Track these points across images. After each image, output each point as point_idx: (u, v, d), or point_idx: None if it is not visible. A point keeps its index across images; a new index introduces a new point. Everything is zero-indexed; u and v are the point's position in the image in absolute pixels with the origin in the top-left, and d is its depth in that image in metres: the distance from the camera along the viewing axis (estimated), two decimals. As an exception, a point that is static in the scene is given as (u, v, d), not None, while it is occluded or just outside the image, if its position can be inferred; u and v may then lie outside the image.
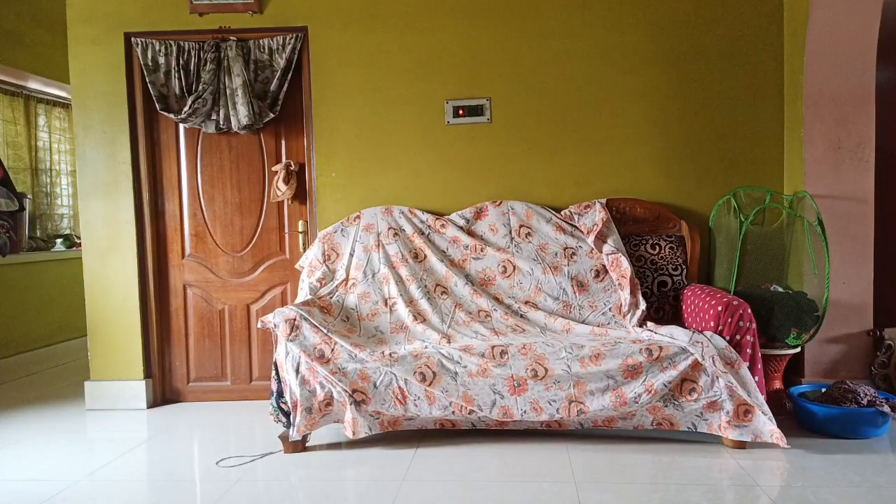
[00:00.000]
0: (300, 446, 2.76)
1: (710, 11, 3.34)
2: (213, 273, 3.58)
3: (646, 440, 2.74)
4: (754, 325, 2.62)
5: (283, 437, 2.75)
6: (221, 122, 3.39)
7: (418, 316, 3.10)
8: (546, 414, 2.59)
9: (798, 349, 3.03)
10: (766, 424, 2.53)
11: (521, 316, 3.14)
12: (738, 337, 2.60)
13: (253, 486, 2.43)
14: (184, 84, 3.40)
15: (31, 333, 4.51)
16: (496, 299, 3.19)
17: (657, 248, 3.25)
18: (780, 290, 3.10)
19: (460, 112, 3.44)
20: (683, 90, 3.37)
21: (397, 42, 3.44)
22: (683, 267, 3.22)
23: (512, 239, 3.31)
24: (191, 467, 2.65)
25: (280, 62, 3.40)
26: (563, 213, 3.36)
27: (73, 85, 3.48)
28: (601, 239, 3.22)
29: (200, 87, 3.35)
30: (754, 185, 3.36)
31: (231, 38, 3.40)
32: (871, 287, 3.19)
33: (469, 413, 2.63)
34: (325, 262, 3.32)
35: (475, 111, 3.43)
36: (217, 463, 2.66)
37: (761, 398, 2.53)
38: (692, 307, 2.93)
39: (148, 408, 3.50)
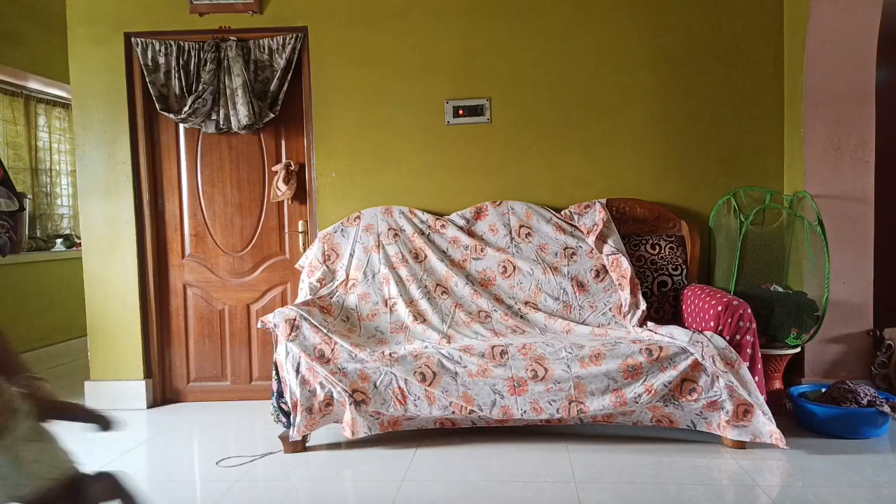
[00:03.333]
0: (300, 446, 2.76)
1: (710, 11, 3.34)
2: (213, 273, 3.58)
3: (646, 440, 2.74)
4: (754, 325, 2.62)
5: (283, 437, 2.75)
6: (221, 122, 3.39)
7: (418, 316, 3.10)
8: (546, 414, 2.59)
9: (798, 349, 3.03)
10: (765, 425, 2.53)
11: (522, 316, 3.14)
12: (738, 337, 2.60)
13: (253, 486, 2.44)
14: (184, 84, 3.40)
15: (31, 333, 4.50)
16: (496, 299, 3.19)
17: (657, 248, 3.25)
18: (780, 290, 3.10)
19: (460, 112, 3.43)
20: (683, 90, 3.37)
21: (397, 42, 3.44)
22: (683, 267, 3.22)
23: (512, 239, 3.31)
24: (191, 467, 2.65)
25: (280, 62, 3.40)
26: (563, 213, 3.36)
27: (73, 85, 3.48)
28: (601, 239, 3.22)
29: (200, 87, 3.35)
30: (754, 185, 3.36)
31: (231, 38, 3.40)
32: (871, 287, 3.19)
33: (469, 413, 2.63)
34: (325, 262, 3.32)
35: (475, 111, 3.43)
36: (217, 463, 2.66)
37: (761, 398, 2.53)
38: (692, 307, 2.93)
39: (148, 408, 3.50)
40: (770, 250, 3.32)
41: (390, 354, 2.68)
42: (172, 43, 3.39)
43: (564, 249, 3.26)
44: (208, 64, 3.35)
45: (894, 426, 2.80)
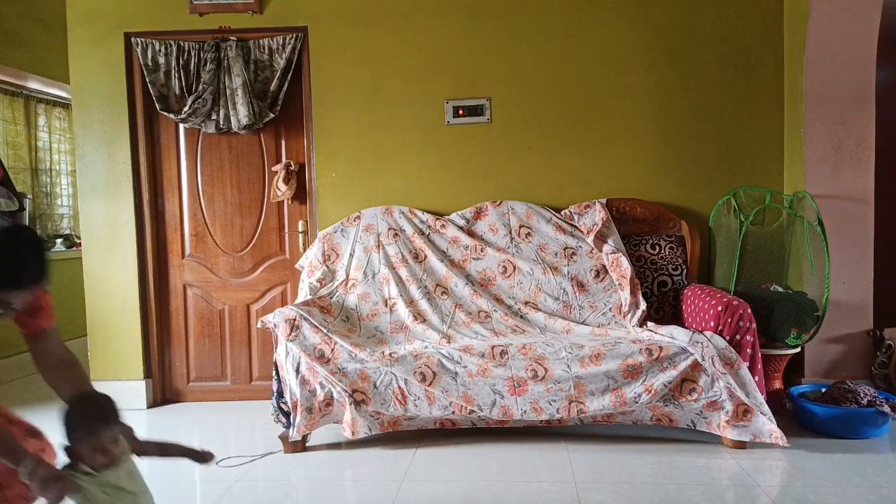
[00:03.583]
0: (300, 446, 2.76)
1: (710, 11, 3.34)
2: (213, 273, 3.58)
3: (646, 440, 2.74)
4: (754, 325, 2.62)
5: (283, 437, 2.75)
6: (221, 122, 3.39)
7: (418, 316, 3.10)
8: (546, 414, 2.59)
9: (798, 349, 3.03)
10: (765, 424, 2.53)
11: (522, 316, 3.14)
12: (738, 337, 2.60)
13: (253, 486, 2.44)
14: (184, 84, 3.39)
15: (31, 333, 4.49)
16: (496, 299, 3.19)
17: (657, 248, 3.25)
18: (780, 290, 3.10)
19: (460, 112, 3.43)
20: (683, 90, 3.37)
21: (397, 42, 3.44)
22: (683, 267, 3.22)
23: (512, 239, 3.31)
24: (191, 467, 2.65)
25: (280, 62, 3.40)
26: (563, 213, 3.36)
27: (73, 85, 3.48)
28: (601, 239, 3.22)
29: (200, 87, 3.35)
30: (754, 185, 3.36)
31: (231, 38, 3.40)
32: (871, 287, 3.19)
33: (469, 413, 2.63)
34: (325, 262, 3.31)
35: (475, 111, 3.43)
36: (217, 463, 2.66)
37: (761, 398, 2.53)
38: (692, 307, 2.93)
39: (148, 408, 3.50)
40: (770, 250, 3.32)
41: (390, 354, 2.68)
42: (172, 43, 3.39)
43: (564, 249, 3.26)
44: (208, 64, 3.35)
45: (894, 426, 2.80)
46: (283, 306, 3.07)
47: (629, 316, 3.01)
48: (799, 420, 2.86)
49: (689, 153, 3.39)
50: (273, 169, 3.49)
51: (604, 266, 3.21)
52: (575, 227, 3.32)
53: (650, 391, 2.53)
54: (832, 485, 2.28)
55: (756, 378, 2.56)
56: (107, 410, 1.53)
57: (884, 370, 3.16)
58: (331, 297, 3.18)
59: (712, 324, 2.67)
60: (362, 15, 3.43)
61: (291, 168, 3.46)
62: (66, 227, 5.09)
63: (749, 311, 2.62)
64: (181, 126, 3.52)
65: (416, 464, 2.58)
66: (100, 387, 3.66)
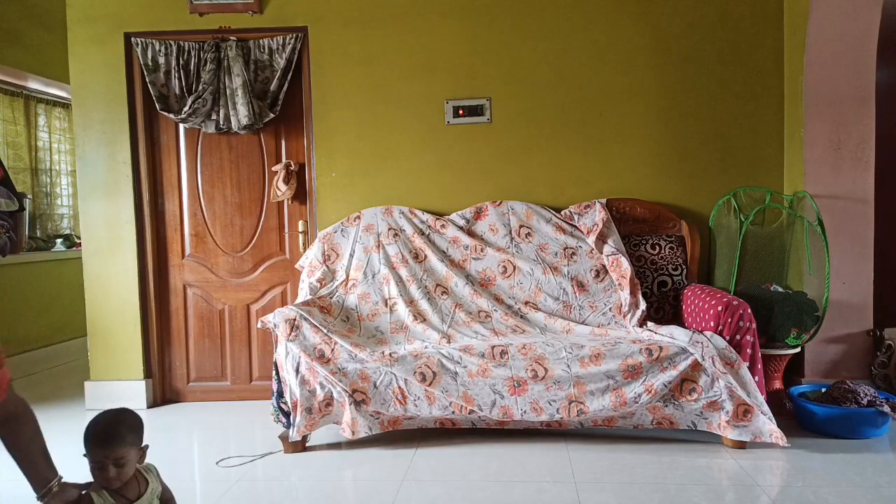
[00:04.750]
0: (300, 446, 2.76)
1: (710, 11, 3.34)
2: (213, 273, 3.58)
3: (646, 440, 2.74)
4: (754, 325, 2.62)
5: (283, 437, 2.75)
6: (221, 122, 3.39)
7: (418, 316, 3.10)
8: (546, 414, 2.59)
9: (798, 349, 3.03)
10: (765, 424, 2.53)
11: (522, 316, 3.14)
12: (738, 337, 2.60)
13: (253, 486, 2.44)
14: (184, 84, 3.39)
15: (31, 333, 4.50)
16: (496, 299, 3.19)
17: (657, 248, 3.25)
18: (780, 290, 3.10)
19: (460, 112, 3.43)
20: (683, 90, 3.37)
21: (397, 42, 3.43)
22: (683, 267, 3.22)
23: (512, 239, 3.31)
24: (191, 467, 2.65)
25: (280, 62, 3.40)
26: (563, 213, 3.36)
27: (73, 85, 3.48)
28: (601, 239, 3.22)
29: (200, 87, 3.35)
30: (754, 185, 3.36)
31: (231, 38, 3.40)
32: (871, 287, 3.19)
33: (469, 413, 2.63)
34: (325, 262, 3.32)
35: (475, 111, 3.43)
36: (217, 463, 2.66)
37: (761, 398, 2.53)
38: (692, 307, 2.93)
39: (148, 408, 3.50)
40: (770, 250, 3.32)
41: (390, 354, 2.68)
42: (172, 43, 3.39)
43: (564, 249, 3.26)
44: (208, 64, 3.35)
45: (894, 426, 2.80)
46: (283, 306, 3.07)
47: (629, 316, 3.01)
48: (799, 420, 2.86)
49: (689, 153, 3.39)
50: (273, 169, 3.49)
51: (604, 266, 3.21)
52: (575, 227, 3.32)
53: (650, 391, 2.53)
54: (832, 485, 2.28)
55: (756, 378, 2.56)
56: (112, 427, 1.53)
57: (884, 370, 3.16)
58: (331, 297, 3.18)
59: (712, 324, 2.67)
60: (362, 15, 3.43)
61: (291, 168, 3.46)
62: (66, 227, 5.09)
63: (749, 311, 2.63)
64: (181, 126, 3.52)
65: (416, 464, 2.58)
66: (99, 387, 3.67)
